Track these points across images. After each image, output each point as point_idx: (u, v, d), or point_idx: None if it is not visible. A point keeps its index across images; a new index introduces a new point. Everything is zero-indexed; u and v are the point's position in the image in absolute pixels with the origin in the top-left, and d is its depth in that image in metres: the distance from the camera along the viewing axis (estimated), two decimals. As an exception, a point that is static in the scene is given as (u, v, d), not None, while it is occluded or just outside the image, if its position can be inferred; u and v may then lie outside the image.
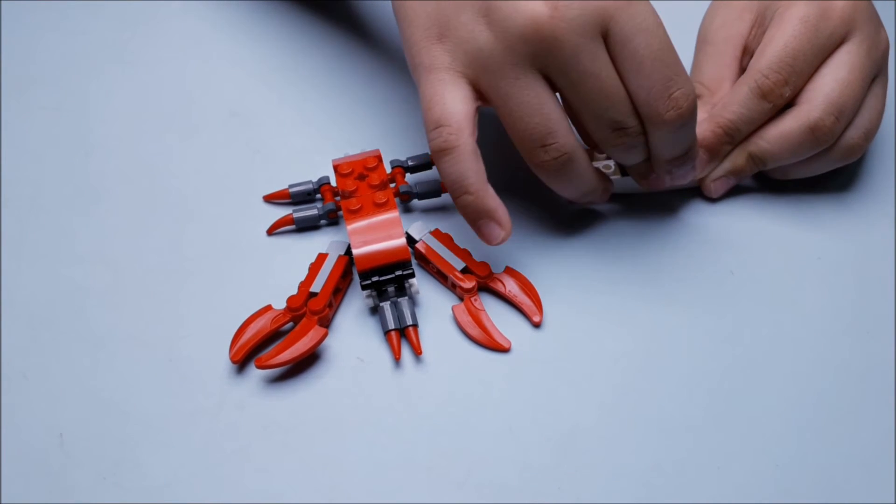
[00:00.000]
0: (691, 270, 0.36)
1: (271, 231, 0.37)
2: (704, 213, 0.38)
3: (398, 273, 0.34)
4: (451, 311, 0.35)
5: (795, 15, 0.36)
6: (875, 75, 0.36)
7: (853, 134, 0.36)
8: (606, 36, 0.31)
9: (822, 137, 0.35)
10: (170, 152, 0.41)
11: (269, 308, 0.34)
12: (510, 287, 0.35)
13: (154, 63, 0.46)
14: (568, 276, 0.36)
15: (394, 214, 0.34)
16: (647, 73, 0.31)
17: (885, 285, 0.36)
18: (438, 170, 0.33)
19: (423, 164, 0.38)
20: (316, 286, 0.34)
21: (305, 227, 0.37)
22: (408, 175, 0.38)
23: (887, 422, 0.31)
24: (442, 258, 0.35)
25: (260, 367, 0.32)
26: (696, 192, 0.39)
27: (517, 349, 0.34)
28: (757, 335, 0.34)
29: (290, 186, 0.38)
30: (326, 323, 0.34)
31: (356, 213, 0.34)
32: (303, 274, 0.35)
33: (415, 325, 0.34)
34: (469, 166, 0.32)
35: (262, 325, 0.33)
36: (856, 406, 0.32)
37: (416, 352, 0.33)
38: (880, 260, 0.36)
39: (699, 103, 0.36)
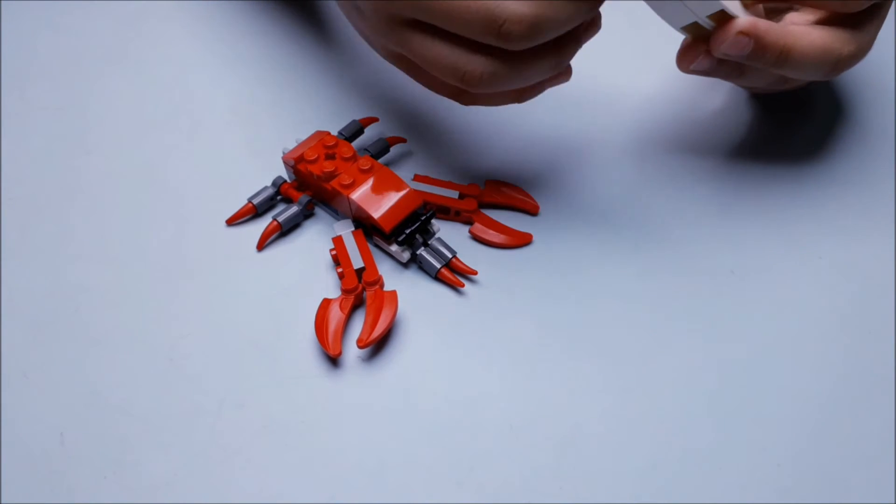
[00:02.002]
0: (691, 269, 0.36)
1: (231, 221, 0.38)
2: (705, 211, 0.38)
3: (423, 217, 0.35)
4: (467, 234, 0.37)
5: None
6: None
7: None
8: (416, 22, 0.31)
9: (839, 69, 0.33)
10: (170, 152, 0.41)
11: (327, 301, 0.34)
12: (502, 193, 0.38)
13: (154, 63, 0.46)
14: (567, 276, 0.36)
15: (387, 172, 0.36)
16: (463, 25, 0.29)
17: (885, 285, 0.36)
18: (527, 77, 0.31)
19: (357, 130, 0.40)
20: (357, 262, 0.35)
21: (290, 227, 0.38)
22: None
23: (888, 422, 0.32)
24: (438, 195, 0.38)
25: (363, 346, 0.32)
26: (698, 189, 0.39)
27: (518, 349, 0.34)
28: (757, 334, 0.34)
29: (252, 199, 0.38)
30: (383, 287, 0.35)
31: (351, 187, 0.35)
32: (302, 272, 0.35)
33: (455, 255, 0.36)
34: (569, 11, 0.29)
35: (336, 314, 0.34)
36: (856, 406, 0.32)
37: (472, 273, 0.35)
38: (880, 260, 0.37)
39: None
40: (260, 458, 0.31)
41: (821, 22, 0.35)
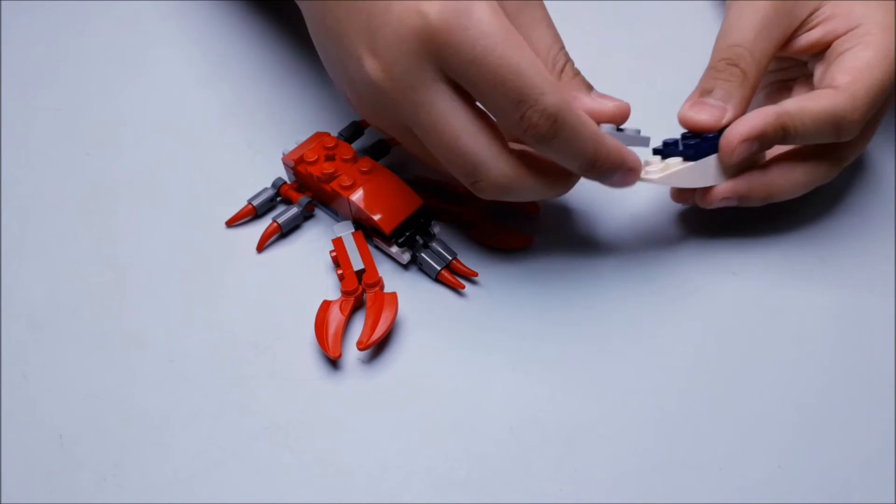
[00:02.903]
0: (693, 270, 0.36)
1: (231, 223, 0.38)
2: (706, 213, 0.38)
3: (422, 219, 0.35)
4: (468, 236, 0.37)
5: (890, 46, 0.33)
6: None
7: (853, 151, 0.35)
8: (447, 75, 0.29)
9: (844, 132, 0.33)
10: (170, 153, 0.41)
11: (328, 302, 0.34)
12: None
13: (153, 62, 0.46)
14: (567, 276, 0.36)
15: (388, 173, 0.36)
16: (492, 99, 0.29)
17: (885, 285, 0.36)
18: (549, 156, 0.31)
19: (356, 131, 0.39)
20: (357, 264, 0.35)
21: (290, 229, 0.38)
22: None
23: (888, 422, 0.31)
24: (439, 197, 0.38)
25: (363, 348, 0.32)
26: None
27: (518, 349, 0.34)
28: (759, 335, 0.34)
29: (251, 200, 0.38)
30: (384, 289, 0.35)
31: (351, 188, 0.35)
32: (302, 274, 0.35)
33: (455, 257, 0.35)
34: (583, 124, 0.30)
35: (336, 317, 0.34)
36: (857, 407, 0.32)
37: (472, 275, 0.35)
38: (881, 260, 0.36)
39: (738, 74, 0.34)
40: (260, 458, 0.31)
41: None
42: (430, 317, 0.35)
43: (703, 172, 0.34)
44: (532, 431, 0.31)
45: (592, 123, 0.30)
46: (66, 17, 0.48)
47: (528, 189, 0.32)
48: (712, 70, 0.35)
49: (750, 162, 0.35)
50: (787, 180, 0.35)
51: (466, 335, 0.34)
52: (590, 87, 0.33)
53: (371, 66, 0.30)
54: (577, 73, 0.32)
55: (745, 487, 0.30)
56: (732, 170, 0.35)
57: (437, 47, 0.28)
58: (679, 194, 0.36)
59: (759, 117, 0.33)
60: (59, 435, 0.31)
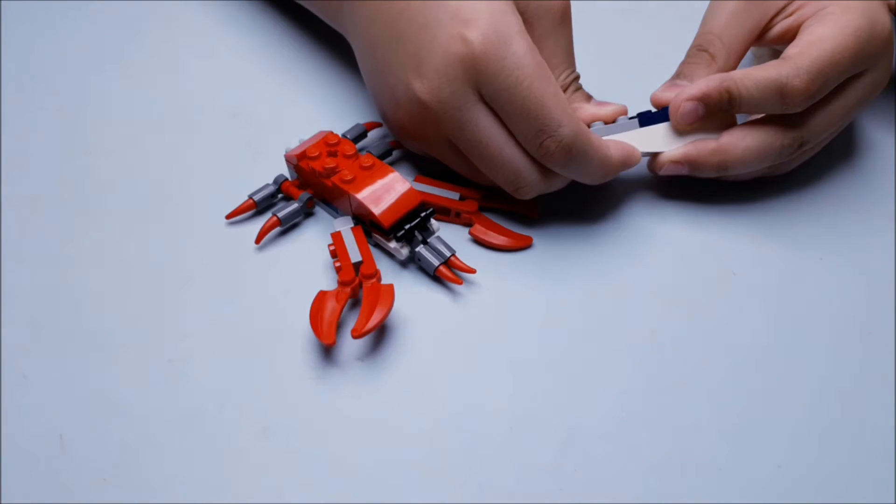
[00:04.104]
0: (693, 270, 0.36)
1: (231, 216, 0.38)
2: (705, 212, 0.38)
3: (422, 215, 0.35)
4: (467, 236, 0.37)
5: (848, 22, 0.34)
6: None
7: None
8: (483, 97, 0.33)
9: (790, 154, 0.36)
10: (170, 152, 0.41)
11: (323, 293, 0.34)
12: (503, 196, 0.37)
13: (154, 63, 0.46)
14: (567, 275, 0.36)
15: (388, 169, 0.36)
16: (517, 125, 0.33)
17: (885, 285, 0.36)
18: (564, 174, 0.35)
19: (360, 133, 0.40)
20: (354, 256, 0.35)
21: (290, 224, 0.38)
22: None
23: (888, 422, 0.31)
24: (439, 196, 0.38)
25: (357, 336, 0.32)
26: (698, 191, 0.39)
27: (518, 349, 0.34)
28: (758, 335, 0.34)
29: (252, 195, 0.38)
30: (381, 281, 0.35)
31: (352, 183, 0.35)
32: (302, 273, 0.36)
33: (454, 254, 0.36)
34: (594, 150, 0.34)
35: (332, 305, 0.33)
36: (857, 407, 0.32)
37: (470, 272, 0.35)
38: (881, 260, 0.36)
39: (706, 58, 0.37)
40: (260, 458, 0.31)
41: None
42: (428, 315, 0.35)
43: (652, 137, 0.37)
44: (532, 431, 0.31)
45: (601, 149, 0.34)
46: (66, 17, 0.48)
47: (560, 182, 0.36)
48: (686, 57, 0.38)
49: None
50: (738, 146, 0.36)
51: (464, 334, 0.34)
52: (589, 98, 0.37)
53: (420, 89, 0.33)
54: (578, 88, 0.37)
55: (745, 487, 0.30)
56: (684, 140, 0.36)
57: (477, 73, 0.32)
58: (651, 163, 0.38)
59: (705, 81, 0.35)
60: (59, 435, 0.31)
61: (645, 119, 0.37)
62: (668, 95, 0.36)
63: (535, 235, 0.37)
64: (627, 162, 0.36)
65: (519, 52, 0.32)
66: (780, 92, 0.34)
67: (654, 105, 0.37)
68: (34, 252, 0.37)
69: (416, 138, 0.37)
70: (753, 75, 0.34)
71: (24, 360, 0.33)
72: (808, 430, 0.31)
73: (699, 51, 0.37)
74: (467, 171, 0.37)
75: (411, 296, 0.35)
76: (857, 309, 0.35)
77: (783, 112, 0.35)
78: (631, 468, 0.30)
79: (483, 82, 0.32)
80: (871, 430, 0.31)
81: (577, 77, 0.37)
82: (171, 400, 0.32)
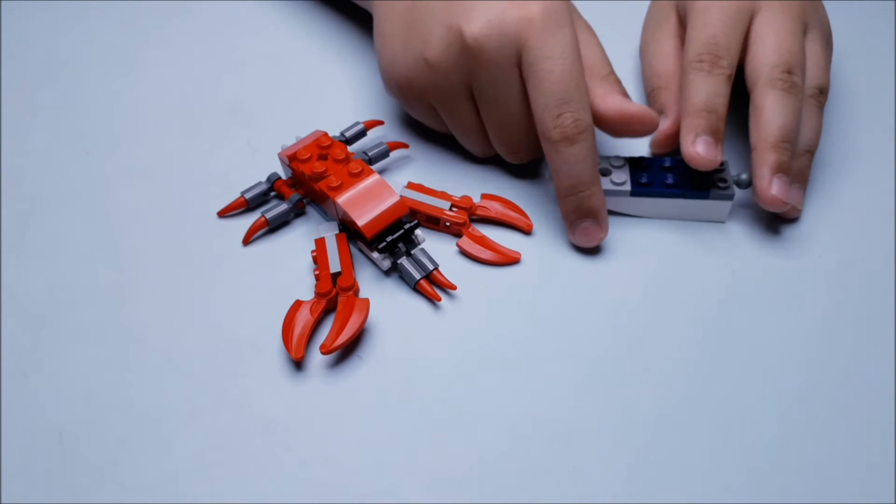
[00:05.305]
0: (692, 269, 0.36)
1: (223, 213, 0.38)
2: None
3: (406, 226, 0.35)
4: (455, 248, 0.37)
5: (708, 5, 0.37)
6: (804, 29, 0.38)
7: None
8: (521, 61, 0.34)
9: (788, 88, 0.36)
10: (170, 151, 0.41)
11: (299, 302, 0.34)
12: (496, 208, 0.38)
13: (154, 62, 0.46)
14: (567, 275, 0.36)
15: (376, 177, 0.35)
16: (544, 92, 0.34)
17: (885, 284, 0.36)
18: (555, 160, 0.34)
19: (359, 132, 0.40)
20: (334, 266, 0.34)
21: (279, 224, 0.38)
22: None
23: (888, 422, 0.31)
24: (429, 205, 0.37)
25: (326, 352, 0.32)
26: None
27: (517, 349, 0.34)
28: (758, 334, 0.34)
29: (244, 192, 0.38)
30: (357, 294, 0.34)
31: (338, 189, 0.35)
32: (299, 268, 0.35)
33: (437, 267, 0.35)
34: (594, 155, 0.35)
35: (305, 318, 0.33)
36: (857, 406, 0.32)
37: (451, 288, 0.35)
38: (880, 259, 0.37)
39: (662, 94, 0.40)
40: (260, 458, 0.31)
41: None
42: (404, 326, 0.34)
43: (636, 206, 0.38)
44: (532, 430, 0.31)
45: (594, 159, 0.34)
46: (66, 17, 0.48)
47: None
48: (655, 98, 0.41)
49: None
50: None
51: (451, 340, 0.34)
52: (624, 92, 0.37)
53: (468, 32, 0.34)
54: (617, 80, 0.38)
55: (744, 487, 0.30)
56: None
57: (527, 38, 0.33)
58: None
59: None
60: (58, 433, 0.31)
61: (637, 190, 0.37)
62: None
63: (527, 251, 0.37)
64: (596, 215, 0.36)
65: (569, 35, 0.34)
66: (708, 73, 0.36)
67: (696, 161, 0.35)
68: (34, 251, 0.37)
69: (428, 88, 0.37)
70: (705, 93, 0.35)
71: (24, 359, 0.33)
72: (808, 429, 0.31)
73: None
74: (462, 129, 0.38)
75: (390, 304, 0.35)
76: (857, 308, 0.35)
77: (726, 78, 0.36)
78: (630, 467, 0.30)
79: (529, 47, 0.33)
80: (872, 430, 0.31)
81: (613, 72, 0.38)
82: (170, 399, 0.32)
